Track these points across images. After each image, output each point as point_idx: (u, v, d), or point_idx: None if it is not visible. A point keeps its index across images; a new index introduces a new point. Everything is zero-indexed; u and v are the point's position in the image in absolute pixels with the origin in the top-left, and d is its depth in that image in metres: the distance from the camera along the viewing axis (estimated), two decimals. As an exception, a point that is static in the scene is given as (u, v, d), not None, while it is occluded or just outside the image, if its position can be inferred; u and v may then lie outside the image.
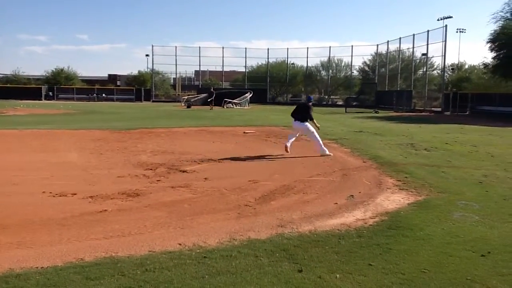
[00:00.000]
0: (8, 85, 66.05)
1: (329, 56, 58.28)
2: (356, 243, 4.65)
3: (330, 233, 4.98)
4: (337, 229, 5.16)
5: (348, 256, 4.27)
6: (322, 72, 61.54)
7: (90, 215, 5.60)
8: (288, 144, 11.07)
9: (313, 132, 11.29)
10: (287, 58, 61.46)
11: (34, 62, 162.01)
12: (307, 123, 11.25)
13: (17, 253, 4.28)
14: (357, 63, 57.97)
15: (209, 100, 39.66)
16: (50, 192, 6.71)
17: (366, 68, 57.52)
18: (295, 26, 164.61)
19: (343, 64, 59.47)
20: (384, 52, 51.52)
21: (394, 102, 41.37)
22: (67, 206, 6.03)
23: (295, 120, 11.37)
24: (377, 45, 53.74)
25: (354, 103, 44.87)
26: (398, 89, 45.23)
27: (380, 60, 53.67)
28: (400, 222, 5.40)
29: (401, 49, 47.20)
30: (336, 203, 6.34)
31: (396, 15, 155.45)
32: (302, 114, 11.35)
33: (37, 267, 3.95)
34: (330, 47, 58.04)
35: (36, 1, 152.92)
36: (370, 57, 56.17)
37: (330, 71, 59.52)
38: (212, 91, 41.68)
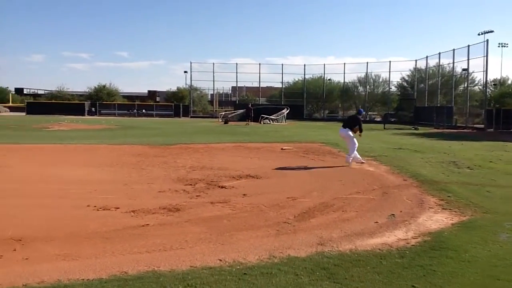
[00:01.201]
0: (53, 101, 68.70)
1: (367, 72, 57.74)
2: (398, 264, 4.56)
3: (371, 253, 4.91)
4: (378, 248, 5.08)
5: (390, 277, 4.19)
6: (359, 88, 61.00)
7: (132, 229, 5.73)
8: (358, 156, 12.28)
9: (353, 140, 12.29)
10: (324, 74, 61.36)
11: (77, 79, 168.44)
12: (350, 132, 12.38)
13: (64, 265, 4.42)
14: (395, 78, 57.15)
15: (246, 116, 40.10)
16: (94, 206, 6.91)
17: (405, 84, 56.53)
18: (331, 42, 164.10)
19: (380, 79, 58.80)
20: (423, 67, 50.65)
21: (434, 118, 40.44)
22: (110, 219, 6.19)
23: (343, 128, 12.57)
24: (416, 60, 52.87)
25: (393, 119, 44.20)
26: (438, 105, 44.22)
27: (419, 76, 52.69)
28: (444, 243, 5.26)
29: (440, 64, 46.23)
30: (376, 222, 6.25)
31: (435, 30, 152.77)
32: (350, 123, 12.72)
33: (83, 279, 4.07)
34: (367, 62, 57.53)
35: (79, 20, 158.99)
36: (408, 73, 55.27)
37: (368, 86, 58.93)
38: (250, 107, 42.07)
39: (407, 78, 55.77)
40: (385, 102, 56.91)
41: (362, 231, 5.81)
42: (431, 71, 49.25)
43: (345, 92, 60.58)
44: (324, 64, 61.08)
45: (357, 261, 4.64)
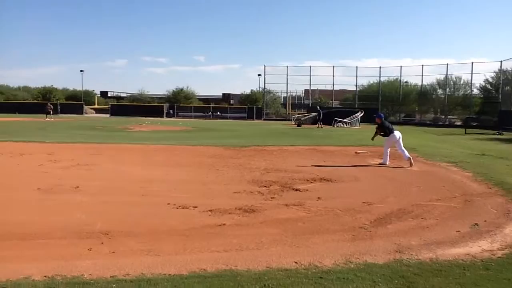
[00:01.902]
0: (134, 103, 72.36)
1: (446, 74, 55.17)
2: (482, 276, 4.33)
3: (453, 263, 4.70)
4: (461, 259, 4.84)
5: (474, 289, 3.99)
6: (438, 90, 58.41)
7: (210, 228, 5.90)
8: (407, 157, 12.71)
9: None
10: (400, 76, 59.46)
11: (156, 82, 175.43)
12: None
13: (147, 260, 4.65)
14: (478, 81, 54.09)
15: (319, 119, 39.96)
16: (174, 204, 7.19)
17: (488, 86, 53.37)
18: (407, 43, 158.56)
19: (461, 82, 55.91)
20: (509, 69, 47.53)
21: (521, 123, 37.79)
22: (189, 218, 6.42)
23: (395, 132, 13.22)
24: (501, 61, 49.70)
25: (474, 124, 41.82)
26: (526, 109, 41.31)
27: (504, 78, 49.49)
28: (534, 256, 4.92)
29: (530, 65, 43.16)
30: (458, 231, 5.96)
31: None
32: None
33: (164, 274, 4.26)
34: (447, 64, 54.97)
35: (158, 26, 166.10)
36: (492, 74, 52.04)
37: (447, 89, 56.27)
38: (319, 110, 41.86)
39: (491, 80, 52.60)
40: (466, 105, 54.01)
41: (443, 240, 5.57)
42: (518, 73, 46.11)
43: (423, 95, 58.20)
44: (401, 66, 59.23)
45: (438, 271, 4.46)
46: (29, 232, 5.55)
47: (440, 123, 53.63)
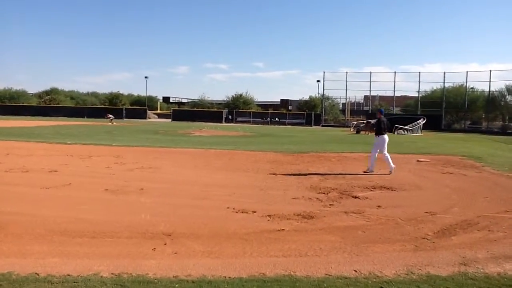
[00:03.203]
0: (195, 109, 74.20)
1: (517, 79, 52.40)
2: (557, 294, 4.09)
3: (523, 279, 4.47)
4: (532, 274, 4.60)
5: (547, 307, 3.78)
6: (507, 97, 55.52)
7: (269, 233, 5.96)
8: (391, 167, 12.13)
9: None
10: (466, 82, 57.12)
11: (216, 88, 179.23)
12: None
13: (208, 262, 4.77)
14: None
15: (371, 125, 39.26)
16: (233, 208, 7.33)
17: None
18: (474, 47, 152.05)
19: (534, 87, 52.89)
20: None
21: None
22: (248, 222, 6.52)
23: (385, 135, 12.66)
24: None
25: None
26: None
27: None
28: None
29: None
30: (529, 245, 5.66)
31: None
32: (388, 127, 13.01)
33: (224, 276, 4.35)
34: (517, 69, 52.20)
35: (220, 34, 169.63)
36: None
37: (518, 95, 53.38)
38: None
39: None
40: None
41: (512, 254, 5.31)
42: None
43: (491, 101, 55.56)
44: (467, 72, 57.02)
45: (507, 286, 4.27)
46: (98, 231, 5.85)
47: (509, 131, 50.94)
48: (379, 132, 12.58)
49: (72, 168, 11.73)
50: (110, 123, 44.71)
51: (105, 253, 4.98)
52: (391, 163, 12.20)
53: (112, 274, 4.34)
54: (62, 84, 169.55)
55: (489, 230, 6.39)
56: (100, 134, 27.89)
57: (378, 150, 12.53)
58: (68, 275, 4.29)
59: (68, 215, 6.66)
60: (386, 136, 12.61)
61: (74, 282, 4.12)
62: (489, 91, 55.82)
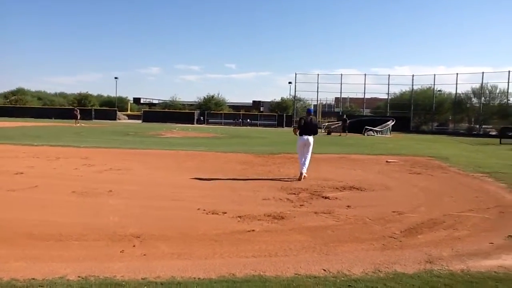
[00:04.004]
0: (166, 110, 73.55)
1: (482, 83, 54.06)
2: (517, 289, 4.23)
3: (485, 275, 4.60)
4: (494, 271, 4.74)
5: (508, 302, 3.90)
6: (473, 99, 57.22)
7: (239, 234, 5.96)
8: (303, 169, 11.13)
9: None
10: (434, 84, 58.57)
11: (188, 89, 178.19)
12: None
13: (178, 263, 4.73)
14: (515, 89, 52.72)
15: (343, 127, 39.92)
16: (204, 209, 7.29)
17: (526, 96, 51.91)
18: (441, 51, 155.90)
19: (497, 91, 54.63)
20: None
21: (562, 134, 36.44)
22: (219, 223, 6.50)
23: (307, 135, 11.41)
24: (542, 69, 48.25)
25: (511, 134, 40.60)
26: None
27: (543, 87, 48.00)
28: None
29: None
30: (491, 243, 5.83)
31: None
32: (313, 128, 11.69)
33: (194, 278, 4.32)
34: (483, 72, 53.95)
35: (192, 35, 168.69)
36: (531, 84, 50.63)
37: (483, 98, 54.99)
38: (345, 118, 41.73)
39: (529, 89, 51.15)
40: (503, 115, 52.63)
41: (476, 251, 5.46)
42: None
43: (457, 104, 57.13)
44: (434, 75, 58.54)
45: (469, 282, 4.38)
46: (65, 233, 5.73)
47: (475, 132, 52.52)
48: (301, 132, 11.45)
49: (39, 170, 11.45)
50: (76, 125, 43.74)
51: (72, 256, 4.87)
52: (305, 168, 11.18)
53: (79, 277, 4.26)
54: (29, 84, 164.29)
55: (454, 229, 6.56)
56: (68, 135, 27.32)
57: (307, 153, 11.40)
58: (33, 279, 4.18)
59: (33, 218, 6.51)
60: (306, 137, 11.37)
61: (40, 286, 4.02)
62: (456, 93, 57.34)
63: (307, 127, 11.44)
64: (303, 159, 11.31)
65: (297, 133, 11.55)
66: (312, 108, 13.60)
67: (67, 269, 4.44)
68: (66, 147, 18.38)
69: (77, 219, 6.57)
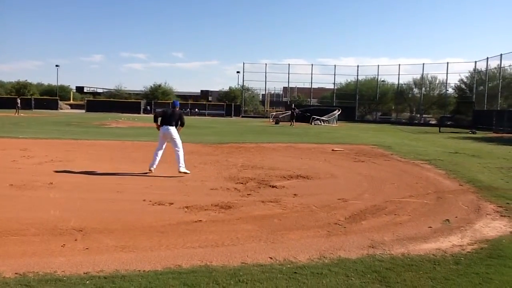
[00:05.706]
0: (111, 99, 71.49)
1: (422, 73, 56.28)
2: (453, 270, 4.44)
3: (424, 258, 4.81)
4: (432, 254, 4.96)
5: (444, 284, 4.09)
6: (414, 89, 59.50)
7: (186, 224, 5.90)
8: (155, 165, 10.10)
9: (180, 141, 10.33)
10: (378, 75, 60.36)
11: (134, 78, 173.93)
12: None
13: (122, 256, 4.62)
14: (453, 80, 55.36)
15: (291, 117, 40.41)
16: (150, 201, 7.17)
17: (463, 86, 54.46)
18: (385, 42, 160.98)
19: (437, 81, 57.08)
20: (483, 69, 48.54)
21: (493, 122, 38.63)
22: (165, 214, 6.40)
23: (170, 125, 10.23)
24: (475, 62, 50.80)
25: (449, 123, 42.58)
26: (498, 108, 42.23)
27: (478, 78, 50.55)
28: (502, 251, 5.07)
29: (502, 66, 44.07)
30: (430, 227, 6.10)
31: (497, 31, 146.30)
32: (176, 119, 10.47)
33: (139, 270, 4.24)
34: (423, 64, 56.19)
35: (137, 22, 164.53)
36: (467, 74, 53.18)
37: (423, 88, 57.27)
38: (293, 108, 42.23)
39: (465, 80, 53.73)
40: (442, 104, 55.12)
41: (415, 235, 5.69)
42: (491, 73, 47.11)
43: (400, 94, 59.26)
44: (378, 65, 60.30)
45: (409, 265, 4.56)
46: (2, 229, 5.44)
47: (416, 121, 54.64)
48: (162, 122, 10.38)
49: (-27, 162, 10.83)
50: (16, 115, 41.73)
51: (9, 252, 4.64)
52: (182, 162, 10.14)
53: (16, 273, 4.06)
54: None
55: (395, 214, 6.81)
56: (5, 126, 25.99)
57: (175, 147, 10.32)
58: (-35, 278, 3.95)
59: (-34, 213, 6.14)
60: (166, 127, 10.30)
61: (-28, 285, 3.81)
62: (398, 84, 59.43)
63: (167, 117, 10.40)
64: (160, 152, 10.35)
65: (157, 127, 10.53)
66: (178, 101, 11.89)
67: (3, 266, 4.22)
68: (3, 138, 17.49)
69: (15, 213, 6.27)
